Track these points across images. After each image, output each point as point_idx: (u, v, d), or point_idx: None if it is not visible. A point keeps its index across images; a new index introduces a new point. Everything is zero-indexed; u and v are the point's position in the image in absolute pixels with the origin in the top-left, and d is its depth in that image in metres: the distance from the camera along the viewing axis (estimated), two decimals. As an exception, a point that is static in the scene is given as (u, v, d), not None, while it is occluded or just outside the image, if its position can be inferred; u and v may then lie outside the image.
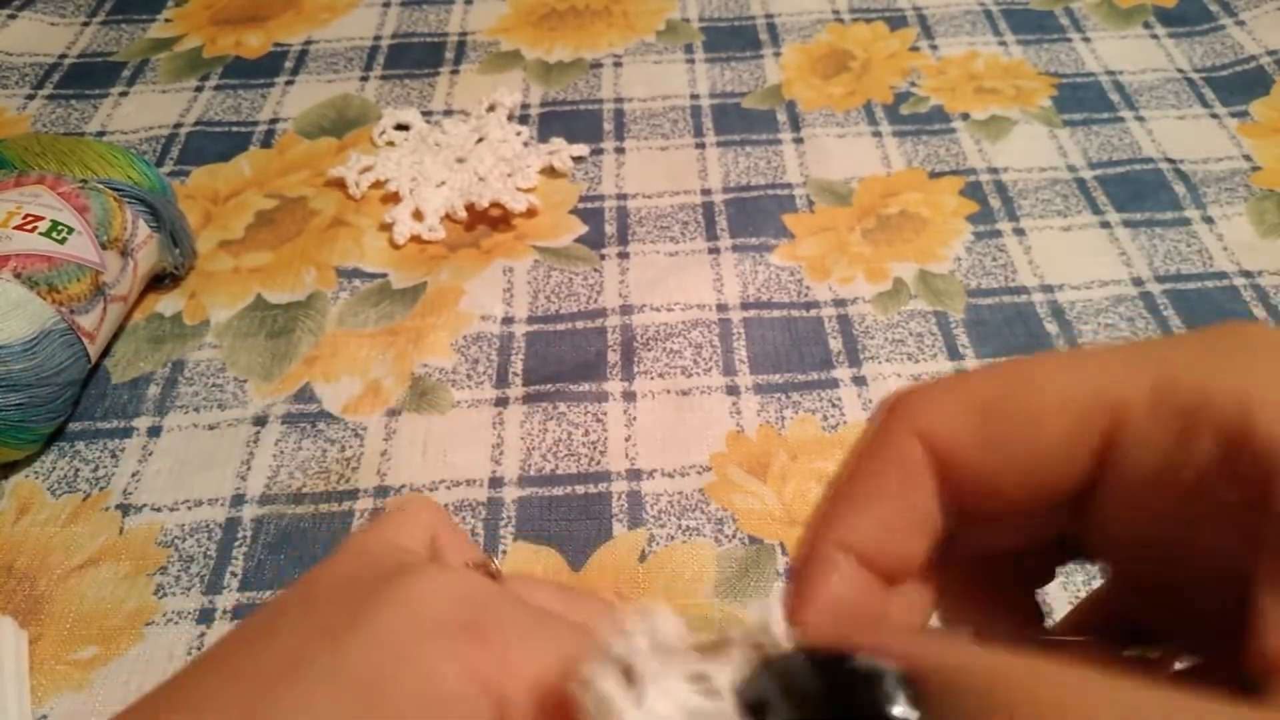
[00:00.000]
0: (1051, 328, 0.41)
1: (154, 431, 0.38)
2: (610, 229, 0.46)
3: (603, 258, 0.45)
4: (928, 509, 0.18)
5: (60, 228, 0.39)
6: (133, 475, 0.37)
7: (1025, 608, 0.22)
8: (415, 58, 0.57)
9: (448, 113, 0.53)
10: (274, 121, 0.53)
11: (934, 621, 0.20)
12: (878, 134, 0.51)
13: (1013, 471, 0.18)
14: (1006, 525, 0.19)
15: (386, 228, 0.46)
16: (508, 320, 0.42)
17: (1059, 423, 0.17)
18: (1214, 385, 0.16)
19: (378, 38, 0.59)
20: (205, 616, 0.33)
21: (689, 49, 0.57)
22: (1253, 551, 0.17)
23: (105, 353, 0.41)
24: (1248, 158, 0.48)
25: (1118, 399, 0.17)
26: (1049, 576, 0.22)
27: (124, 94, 0.55)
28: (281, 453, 0.38)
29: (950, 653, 0.15)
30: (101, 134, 0.52)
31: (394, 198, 0.48)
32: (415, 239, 0.46)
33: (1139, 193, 0.47)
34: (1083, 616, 0.22)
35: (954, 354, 0.40)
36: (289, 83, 0.56)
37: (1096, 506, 0.18)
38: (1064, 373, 0.18)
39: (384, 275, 0.44)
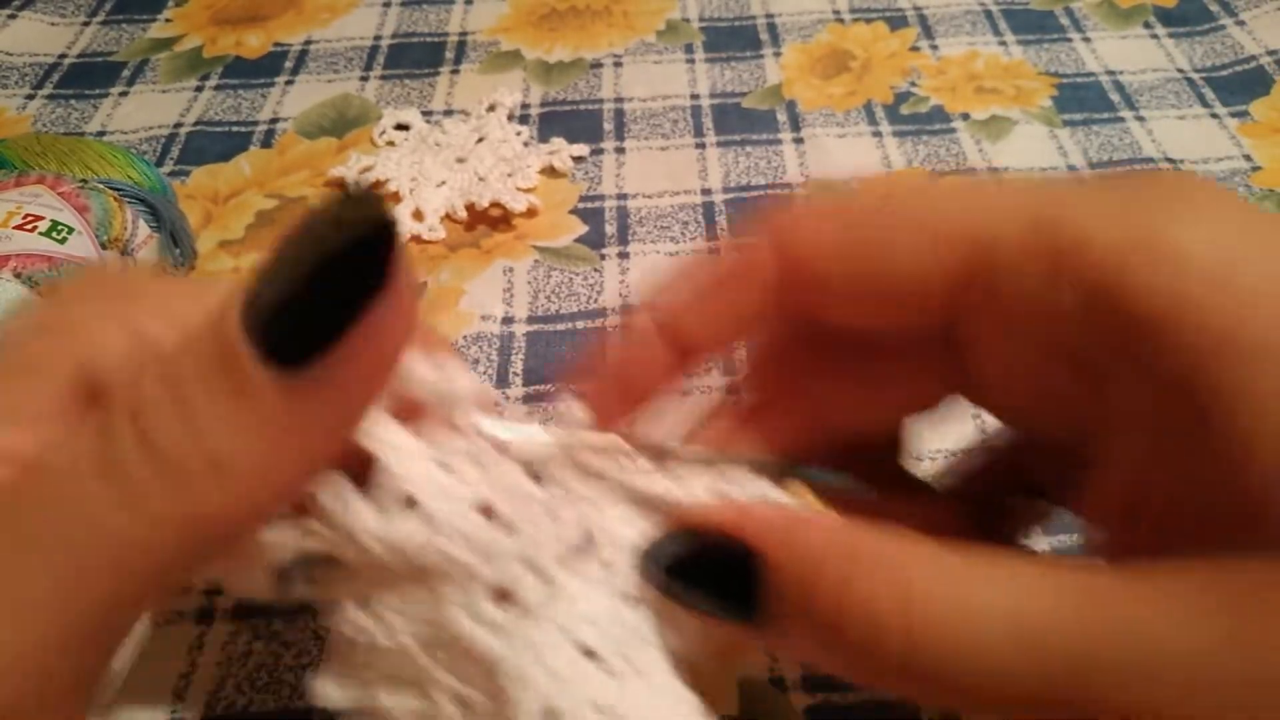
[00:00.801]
0: (1052, 328, 0.41)
1: (154, 431, 0.38)
2: (610, 229, 0.46)
3: (603, 258, 0.45)
4: (750, 303, 0.19)
5: (60, 228, 0.39)
6: (133, 475, 0.37)
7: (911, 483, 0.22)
8: (415, 58, 0.57)
9: (448, 113, 0.53)
10: (274, 121, 0.53)
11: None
12: (878, 134, 0.51)
13: (867, 288, 0.18)
14: (881, 370, 0.20)
15: (386, 228, 0.46)
16: (508, 320, 0.42)
17: (919, 246, 0.17)
18: (1097, 234, 0.15)
19: (378, 38, 0.59)
20: (204, 616, 0.33)
21: (689, 49, 0.57)
22: (1100, 408, 0.16)
23: (105, 353, 0.41)
24: (1248, 158, 0.48)
25: (989, 232, 0.16)
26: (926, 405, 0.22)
27: (124, 94, 0.55)
28: (281, 453, 0.37)
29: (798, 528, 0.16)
30: (101, 134, 0.52)
31: (394, 198, 0.48)
32: (415, 239, 0.46)
33: (1139, 193, 0.47)
34: (980, 470, 0.22)
35: (954, 354, 0.40)
36: (289, 83, 0.56)
37: (974, 348, 0.18)
38: (939, 200, 0.17)
39: (384, 275, 0.44)
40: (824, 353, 0.20)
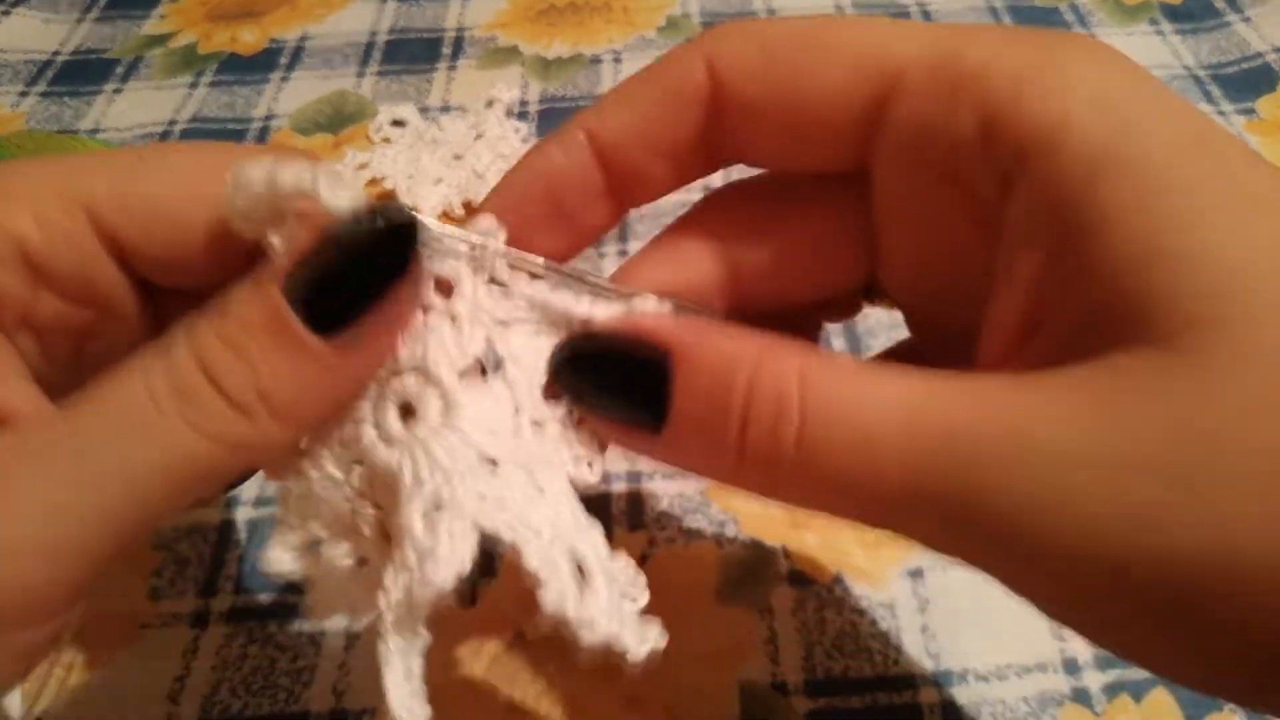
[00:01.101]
0: (1056, 327, 0.41)
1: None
2: (610, 227, 0.46)
3: (602, 256, 0.44)
4: (683, 119, 0.19)
5: (52, 226, 0.38)
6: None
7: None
8: (412, 53, 0.57)
9: (445, 109, 0.53)
10: (269, 118, 0.52)
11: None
12: (880, 131, 0.50)
13: (786, 117, 0.19)
14: (796, 231, 0.21)
15: (383, 226, 0.46)
16: (506, 319, 0.42)
17: (834, 69, 0.18)
18: (996, 63, 0.17)
19: (374, 33, 0.58)
20: (199, 619, 0.32)
21: (689, 45, 0.57)
22: (993, 244, 0.17)
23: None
24: (1254, 155, 0.48)
25: (899, 61, 0.17)
26: (853, 310, 0.24)
27: (118, 91, 0.54)
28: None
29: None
30: (96, 131, 0.52)
31: (390, 195, 0.47)
32: (412, 237, 0.45)
33: (1144, 190, 0.46)
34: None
35: (958, 353, 0.40)
36: (284, 79, 0.55)
37: (880, 189, 0.19)
38: (857, 28, 0.18)
39: (381, 274, 0.44)
40: (742, 209, 0.21)
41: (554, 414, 0.20)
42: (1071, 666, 0.30)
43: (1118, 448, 0.14)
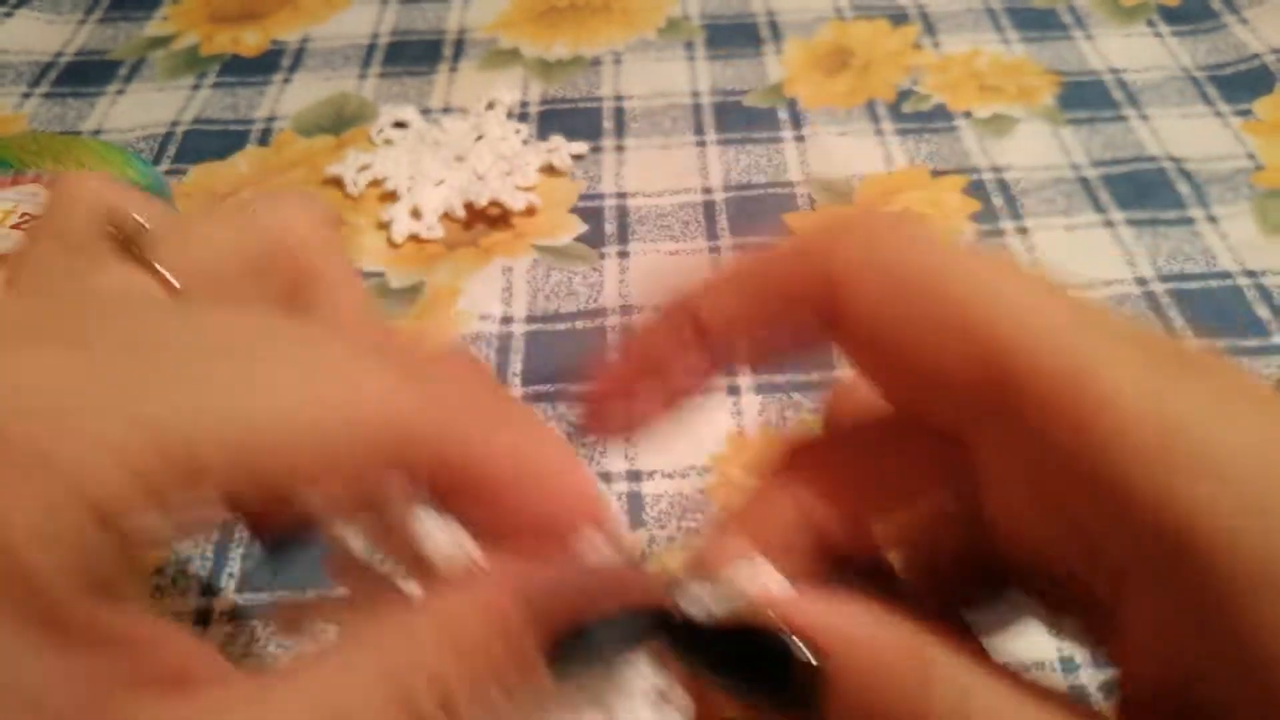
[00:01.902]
0: (1054, 327, 0.41)
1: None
2: (610, 227, 0.46)
3: (602, 256, 0.45)
4: (793, 322, 0.18)
5: (55, 226, 0.38)
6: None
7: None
8: (413, 55, 0.57)
9: (446, 110, 0.53)
10: (271, 119, 0.53)
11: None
12: (880, 132, 0.51)
13: (900, 363, 0.17)
14: (890, 466, 0.18)
15: (384, 226, 0.46)
16: (506, 320, 0.42)
17: (954, 340, 0.16)
18: (1133, 409, 0.15)
19: (375, 35, 0.59)
20: (202, 618, 0.33)
21: (690, 46, 0.57)
22: (1114, 578, 0.16)
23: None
24: (1251, 156, 0.48)
25: (1016, 357, 0.16)
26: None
27: (120, 92, 0.55)
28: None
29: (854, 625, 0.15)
30: (98, 132, 0.52)
31: (392, 196, 0.48)
32: (413, 237, 0.46)
33: (1142, 191, 0.47)
34: (947, 552, 0.20)
35: (956, 354, 0.40)
36: (286, 80, 0.55)
37: (982, 454, 0.17)
38: (980, 282, 0.16)
39: (381, 274, 0.44)
40: (835, 461, 0.19)
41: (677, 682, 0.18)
42: (1069, 665, 0.31)
43: None
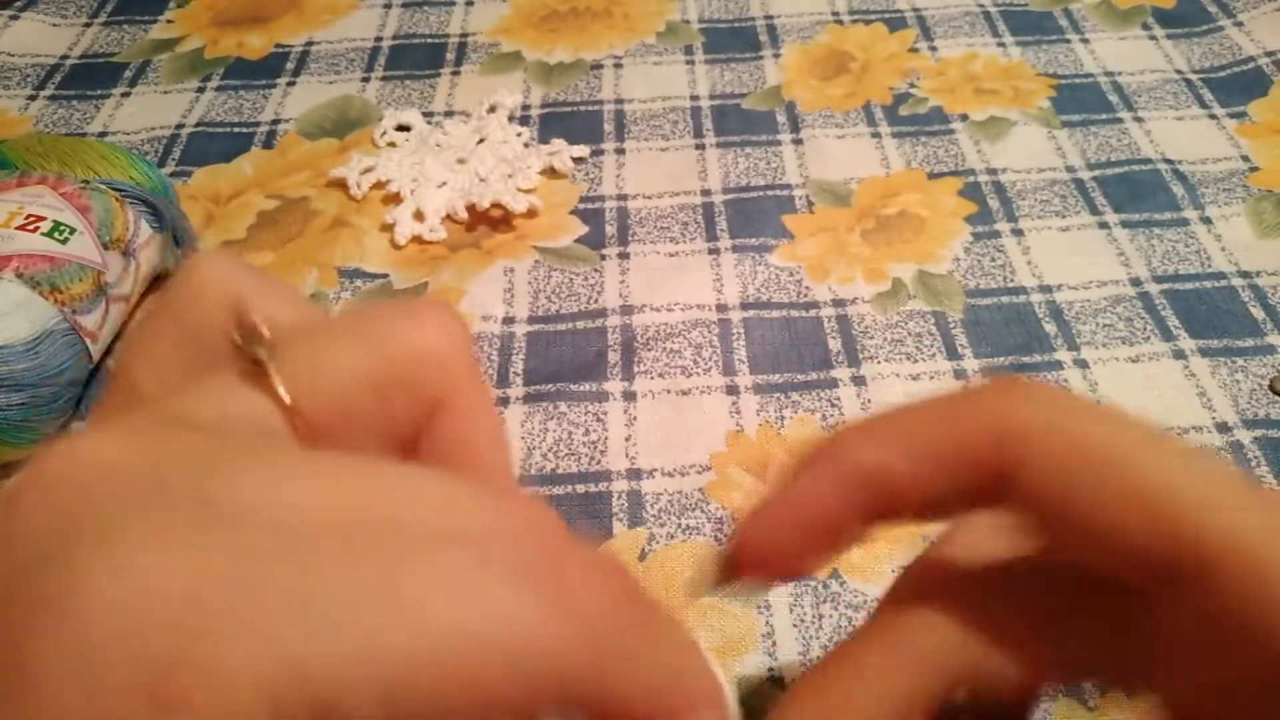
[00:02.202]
0: (1050, 328, 0.42)
1: (156, 431, 0.39)
2: (611, 229, 0.46)
3: (603, 258, 0.45)
4: (961, 483, 0.17)
5: (62, 228, 0.39)
6: (135, 475, 0.37)
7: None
8: (416, 59, 0.57)
9: (449, 114, 0.53)
10: (275, 122, 0.53)
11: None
12: (877, 135, 0.51)
13: (1071, 532, 0.17)
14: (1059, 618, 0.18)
15: (388, 228, 0.47)
16: (508, 320, 0.43)
17: (1132, 518, 0.16)
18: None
19: (379, 39, 0.59)
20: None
21: (689, 50, 0.58)
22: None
23: (107, 353, 0.41)
24: (1246, 158, 0.49)
25: (1209, 546, 0.16)
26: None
27: (126, 95, 0.55)
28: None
29: None
30: (103, 135, 0.52)
31: (395, 198, 0.48)
32: (416, 239, 0.46)
33: (1137, 193, 0.47)
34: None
35: (952, 354, 0.41)
36: (290, 84, 0.56)
37: (1157, 624, 0.17)
38: (1168, 473, 0.16)
39: (385, 276, 0.45)
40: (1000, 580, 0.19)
41: None
42: (1063, 660, 0.31)
43: None
